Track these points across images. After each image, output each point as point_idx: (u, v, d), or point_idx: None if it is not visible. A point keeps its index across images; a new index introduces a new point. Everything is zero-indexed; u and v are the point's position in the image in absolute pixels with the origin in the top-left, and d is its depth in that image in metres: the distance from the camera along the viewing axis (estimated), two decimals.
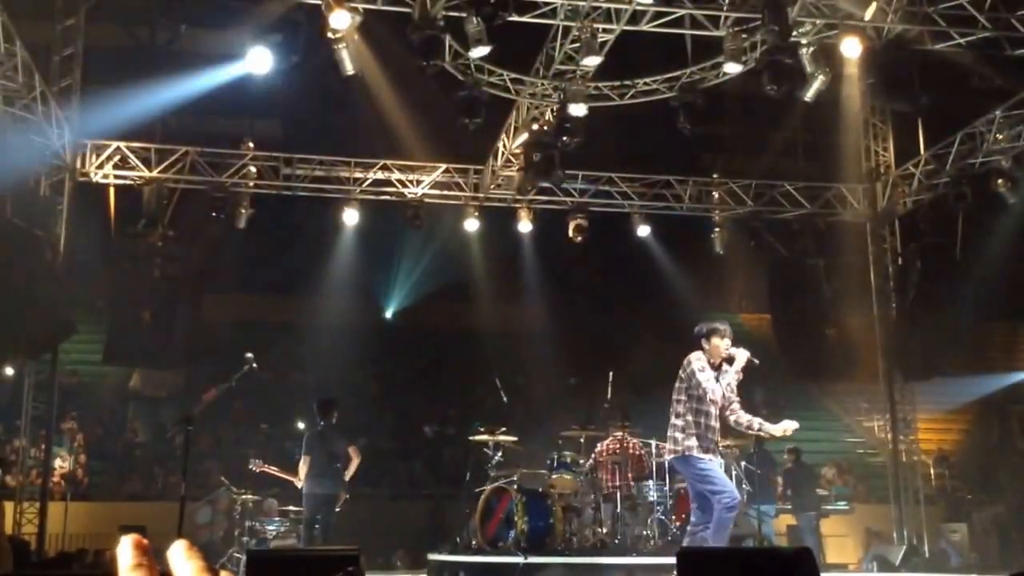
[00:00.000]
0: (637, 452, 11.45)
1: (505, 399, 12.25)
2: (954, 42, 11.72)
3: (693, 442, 7.73)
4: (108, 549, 13.16)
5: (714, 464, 7.80)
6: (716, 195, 16.19)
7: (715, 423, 7.88)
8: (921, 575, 13.78)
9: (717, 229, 16.13)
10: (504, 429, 11.30)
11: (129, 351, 15.05)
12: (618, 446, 11.37)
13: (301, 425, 18.80)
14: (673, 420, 7.91)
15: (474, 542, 10.73)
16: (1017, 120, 13.75)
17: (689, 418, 7.79)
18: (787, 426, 8.07)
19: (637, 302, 20.35)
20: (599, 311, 21.20)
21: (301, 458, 11.87)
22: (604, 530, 10.82)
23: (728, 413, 8.03)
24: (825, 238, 16.01)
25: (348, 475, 11.90)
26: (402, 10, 10.75)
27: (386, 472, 18.38)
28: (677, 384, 7.94)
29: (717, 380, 7.85)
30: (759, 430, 8.12)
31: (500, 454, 11.26)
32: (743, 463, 12.46)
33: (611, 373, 11.82)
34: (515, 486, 10.66)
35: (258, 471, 12.47)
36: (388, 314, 21.57)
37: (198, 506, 14.11)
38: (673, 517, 11.12)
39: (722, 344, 7.93)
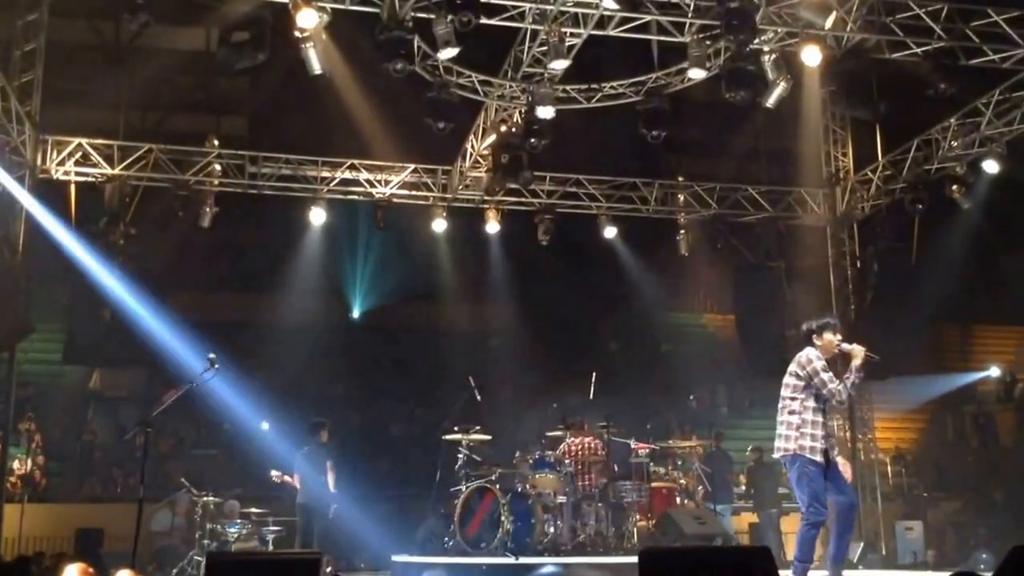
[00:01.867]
0: (600, 452, 11.51)
1: (479, 398, 12.22)
2: (911, 51, 11.92)
3: (807, 442, 7.53)
4: (66, 553, 13.09)
5: (820, 472, 7.53)
6: (681, 198, 16.39)
7: (831, 422, 7.80)
8: (878, 571, 14.03)
9: (682, 231, 16.34)
10: (478, 428, 11.28)
11: (89, 350, 14.92)
12: (585, 446, 11.41)
13: (265, 426, 18.77)
14: (787, 418, 7.67)
15: (451, 543, 10.60)
16: (971, 128, 14.06)
17: (807, 416, 7.57)
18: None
19: (604, 303, 20.48)
20: (566, 312, 21.30)
21: (294, 475, 12.56)
22: (583, 529, 10.82)
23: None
24: (786, 241, 16.26)
25: (330, 487, 12.50)
26: (370, 10, 10.75)
27: (351, 472, 18.35)
28: (792, 381, 7.69)
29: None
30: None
31: (468, 454, 11.24)
32: (698, 463, 12.66)
33: (595, 374, 11.84)
34: (497, 486, 10.62)
35: (279, 482, 12.74)
36: (355, 314, 21.52)
37: (156, 510, 14.00)
38: (637, 516, 11.22)
39: (835, 339, 7.80)
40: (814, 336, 7.81)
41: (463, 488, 10.86)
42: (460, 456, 11.34)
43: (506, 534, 10.15)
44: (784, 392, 7.73)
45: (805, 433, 7.55)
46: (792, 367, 7.73)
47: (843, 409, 17.09)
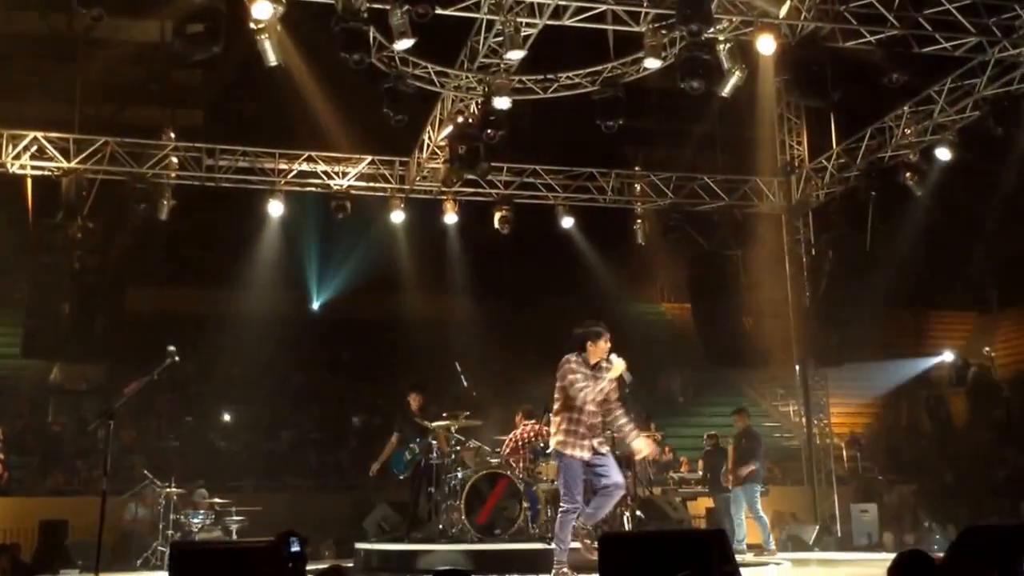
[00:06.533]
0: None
1: (466, 383, 12.11)
2: (865, 40, 12.07)
3: (561, 437, 7.97)
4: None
5: (577, 466, 7.96)
6: (638, 187, 16.54)
7: (588, 419, 8.01)
8: (833, 553, 14.28)
9: (639, 221, 16.49)
10: (468, 414, 11.16)
11: (48, 344, 14.80)
12: (536, 433, 11.35)
13: (227, 417, 18.74)
14: (554, 418, 8.14)
15: (453, 530, 10.35)
16: (924, 116, 14.31)
17: (564, 414, 7.99)
18: (641, 446, 8.37)
19: (562, 292, 20.58)
20: (524, 302, 21.40)
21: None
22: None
23: (607, 415, 8.20)
24: (742, 229, 16.44)
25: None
26: (326, 0, 10.76)
27: (312, 463, 18.40)
28: (557, 384, 8.10)
29: (596, 379, 8.01)
30: (625, 437, 8.35)
31: (462, 440, 11.11)
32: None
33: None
34: (508, 472, 10.49)
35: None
36: (315, 305, 21.50)
37: (124, 500, 13.94)
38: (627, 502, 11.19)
39: (598, 347, 8.06)
40: (588, 342, 8.09)
41: (458, 474, 10.65)
42: (433, 444, 11.19)
43: (525, 521, 10.13)
44: (554, 395, 8.17)
45: (562, 430, 7.98)
46: (556, 372, 8.15)
47: (798, 394, 17.43)
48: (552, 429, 8.15)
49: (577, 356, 8.06)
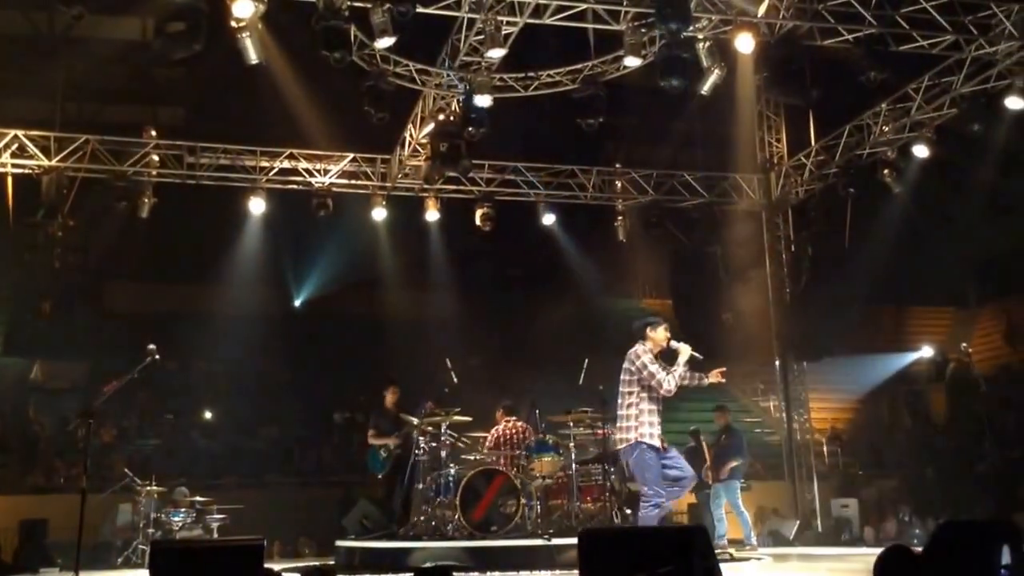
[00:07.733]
0: (530, 436, 11.47)
1: (456, 380, 12.10)
2: (842, 38, 12.18)
3: (646, 430, 8.13)
4: None
5: (657, 458, 8.16)
6: (619, 184, 16.61)
7: (661, 408, 8.27)
8: (813, 548, 14.38)
9: (620, 217, 16.56)
10: (458, 410, 11.15)
11: (29, 342, 14.82)
12: (518, 430, 11.37)
13: (208, 415, 18.72)
14: (625, 411, 8.23)
15: (448, 526, 10.27)
16: (901, 113, 14.44)
17: (643, 406, 8.14)
18: (715, 377, 8.52)
19: (544, 289, 20.64)
20: (506, 298, 21.44)
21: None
22: (558, 509, 10.76)
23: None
24: (722, 226, 16.53)
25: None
26: None
27: (295, 459, 18.40)
28: (626, 377, 8.26)
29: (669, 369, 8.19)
30: (700, 381, 8.50)
31: (456, 437, 11.12)
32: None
33: (586, 360, 11.78)
34: (502, 468, 10.49)
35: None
36: (297, 302, 21.49)
37: (106, 500, 13.89)
38: (608, 497, 11.23)
39: (664, 335, 8.30)
40: (648, 330, 8.36)
41: (451, 471, 10.59)
42: (421, 440, 11.17)
43: (522, 518, 10.15)
44: (621, 388, 8.32)
45: (643, 422, 8.15)
46: (625, 364, 8.30)
47: (778, 390, 17.55)
48: (625, 423, 8.21)
49: (642, 346, 8.26)
